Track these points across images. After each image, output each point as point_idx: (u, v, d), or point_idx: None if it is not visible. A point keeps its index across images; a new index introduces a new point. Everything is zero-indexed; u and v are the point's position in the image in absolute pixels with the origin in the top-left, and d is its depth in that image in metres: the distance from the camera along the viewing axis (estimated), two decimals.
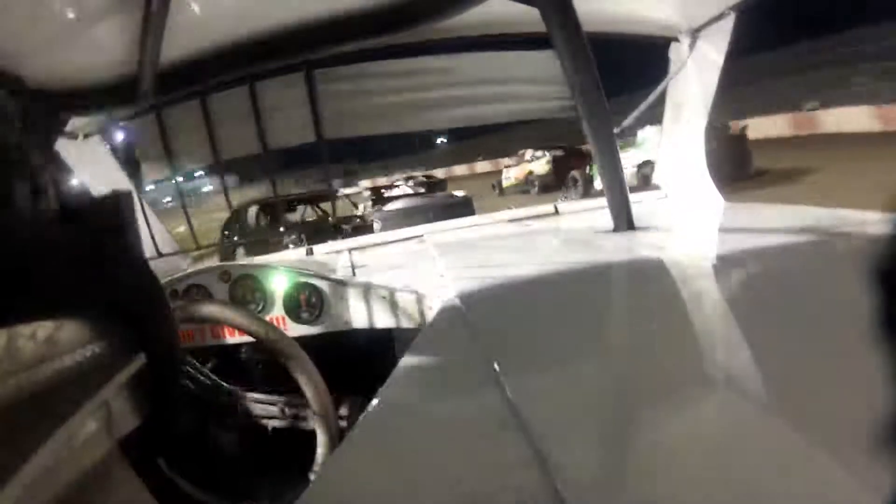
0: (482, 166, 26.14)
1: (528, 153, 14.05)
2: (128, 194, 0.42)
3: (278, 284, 1.30)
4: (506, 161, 16.46)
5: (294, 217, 5.99)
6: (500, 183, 14.93)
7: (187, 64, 1.33)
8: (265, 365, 1.32)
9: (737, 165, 8.32)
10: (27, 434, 0.30)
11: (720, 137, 8.40)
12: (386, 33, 1.38)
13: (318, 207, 6.22)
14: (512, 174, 14.67)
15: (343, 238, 1.96)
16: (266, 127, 1.58)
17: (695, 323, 0.74)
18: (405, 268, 1.38)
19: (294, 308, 1.29)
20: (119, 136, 1.66)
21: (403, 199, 4.16)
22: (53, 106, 1.19)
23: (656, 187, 1.92)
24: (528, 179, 13.92)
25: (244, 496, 1.08)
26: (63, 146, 1.45)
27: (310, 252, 1.78)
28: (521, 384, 0.56)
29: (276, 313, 1.31)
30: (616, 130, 1.38)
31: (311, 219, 6.05)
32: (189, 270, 1.41)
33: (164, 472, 0.99)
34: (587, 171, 9.51)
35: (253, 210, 5.85)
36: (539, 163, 13.60)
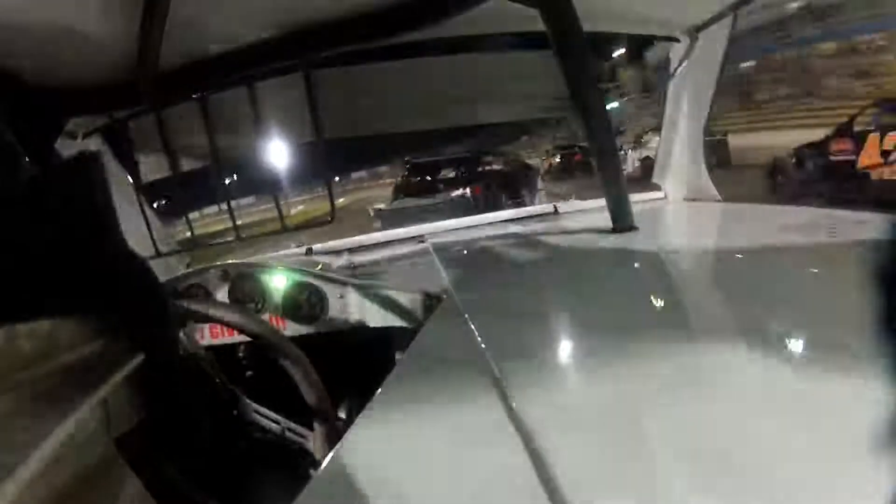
0: None
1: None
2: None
3: (278, 284, 1.31)
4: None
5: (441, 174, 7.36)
6: None
7: (187, 64, 1.33)
8: (263, 364, 1.32)
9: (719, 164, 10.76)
10: (26, 432, 0.30)
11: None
12: (386, 35, 1.38)
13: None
14: None
15: None
16: (263, 127, 1.58)
17: (695, 323, 0.74)
18: (405, 267, 1.39)
19: (293, 308, 1.29)
20: (119, 137, 1.66)
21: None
22: (53, 106, 1.18)
23: (656, 187, 1.92)
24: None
25: (243, 496, 1.08)
26: (63, 146, 1.45)
27: (309, 252, 1.78)
28: (520, 384, 0.56)
29: (276, 313, 1.31)
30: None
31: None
32: (189, 270, 1.41)
33: (163, 471, 0.99)
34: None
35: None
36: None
